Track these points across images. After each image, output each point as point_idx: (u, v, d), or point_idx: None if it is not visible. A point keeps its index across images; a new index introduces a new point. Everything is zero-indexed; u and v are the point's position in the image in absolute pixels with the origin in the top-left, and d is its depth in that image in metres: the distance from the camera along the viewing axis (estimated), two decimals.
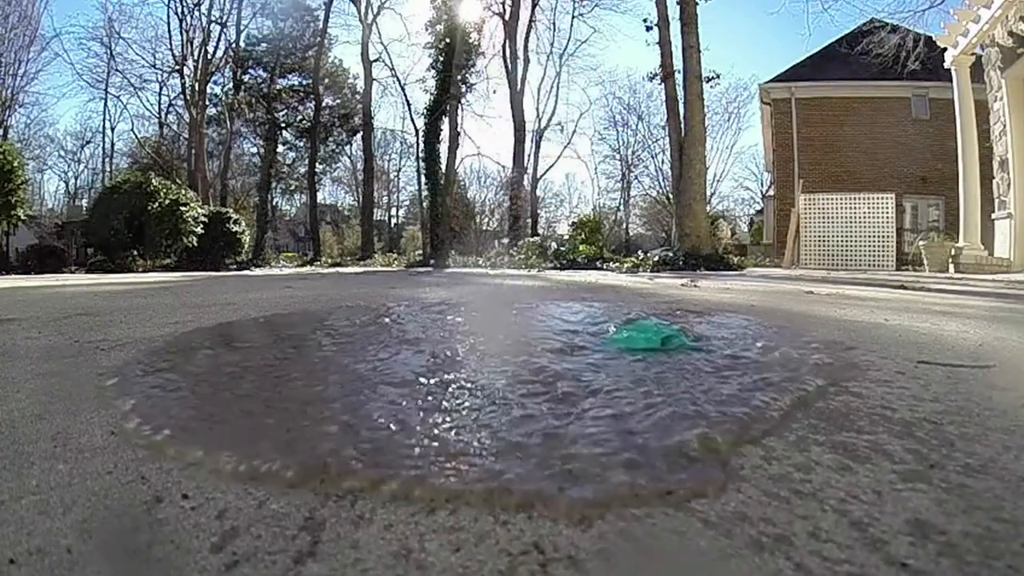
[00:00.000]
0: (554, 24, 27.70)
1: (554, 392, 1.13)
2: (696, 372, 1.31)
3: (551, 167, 34.28)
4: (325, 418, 0.99)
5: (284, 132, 28.31)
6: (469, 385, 1.20)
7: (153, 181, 13.20)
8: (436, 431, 0.90)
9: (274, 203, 31.44)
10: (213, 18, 24.06)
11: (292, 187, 32.18)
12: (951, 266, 8.77)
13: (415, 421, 0.95)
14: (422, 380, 1.25)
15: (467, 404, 1.06)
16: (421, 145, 22.51)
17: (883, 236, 11.15)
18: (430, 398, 1.11)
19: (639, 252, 13.58)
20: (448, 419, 0.97)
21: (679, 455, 0.80)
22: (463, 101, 21.08)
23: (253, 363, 1.48)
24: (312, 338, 1.93)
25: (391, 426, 0.92)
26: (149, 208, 12.58)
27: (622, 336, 1.69)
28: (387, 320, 2.34)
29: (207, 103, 24.72)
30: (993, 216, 8.99)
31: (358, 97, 27.11)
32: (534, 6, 23.73)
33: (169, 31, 24.34)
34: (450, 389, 1.17)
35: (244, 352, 1.66)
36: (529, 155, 24.91)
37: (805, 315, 2.57)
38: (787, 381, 1.21)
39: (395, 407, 1.04)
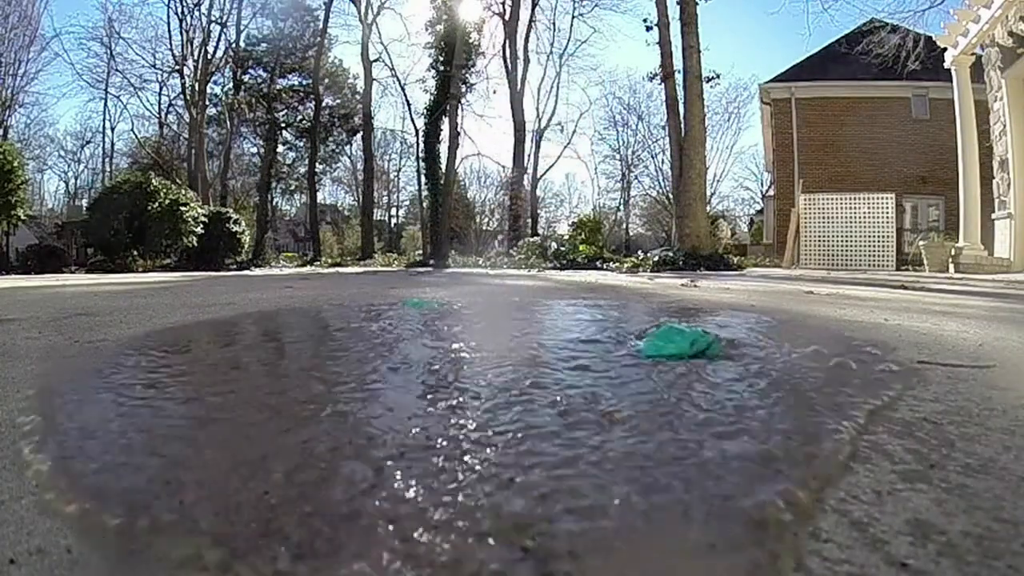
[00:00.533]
0: (554, 24, 27.75)
1: (568, 420, 0.93)
2: (737, 389, 1.16)
3: (551, 167, 34.33)
4: (262, 453, 0.80)
5: (284, 132, 28.33)
6: (460, 411, 0.99)
7: (153, 181, 13.23)
8: (406, 493, 0.67)
9: (274, 203, 31.46)
10: (213, 18, 24.12)
11: (292, 187, 32.18)
12: (951, 266, 8.77)
13: (374, 472, 0.73)
14: (402, 405, 1.07)
15: (453, 439, 0.85)
16: (421, 145, 22.54)
17: (883, 236, 11.15)
18: (407, 421, 0.94)
19: (639, 252, 13.58)
20: (425, 469, 0.73)
21: (746, 522, 0.60)
22: (463, 101, 21.09)
23: (199, 373, 1.35)
24: (291, 344, 1.86)
25: (337, 477, 0.72)
26: (149, 208, 12.60)
27: (649, 344, 1.53)
28: (377, 325, 2.16)
29: (207, 103, 24.74)
30: (993, 216, 8.99)
31: (358, 97, 27.12)
32: (534, 6, 23.79)
33: (169, 31, 24.42)
34: (437, 418, 0.96)
35: (198, 359, 1.59)
36: (529, 155, 24.95)
37: (806, 315, 2.57)
38: (850, 397, 1.09)
39: (356, 447, 0.82)
